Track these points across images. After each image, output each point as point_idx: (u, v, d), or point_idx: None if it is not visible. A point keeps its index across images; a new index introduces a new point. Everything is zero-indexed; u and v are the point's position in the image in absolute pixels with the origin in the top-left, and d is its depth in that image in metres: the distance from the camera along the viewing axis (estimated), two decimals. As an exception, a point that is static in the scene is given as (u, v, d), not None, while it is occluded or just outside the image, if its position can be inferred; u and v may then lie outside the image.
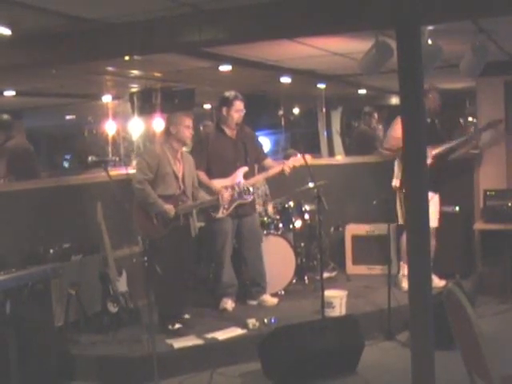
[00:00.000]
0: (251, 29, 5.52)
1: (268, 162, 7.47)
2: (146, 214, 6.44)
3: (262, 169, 7.47)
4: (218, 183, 7.04)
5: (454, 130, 7.85)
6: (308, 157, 6.89)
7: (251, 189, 7.23)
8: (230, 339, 6.34)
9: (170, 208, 6.41)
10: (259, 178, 7.42)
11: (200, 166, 7.08)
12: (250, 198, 7.24)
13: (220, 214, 7.09)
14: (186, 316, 6.81)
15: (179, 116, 6.65)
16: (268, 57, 8.05)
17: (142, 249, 5.67)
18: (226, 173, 7.16)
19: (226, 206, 7.07)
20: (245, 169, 7.20)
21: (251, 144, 7.39)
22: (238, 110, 7.14)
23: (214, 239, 7.22)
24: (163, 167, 6.47)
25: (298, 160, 7.13)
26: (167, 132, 6.63)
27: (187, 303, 7.02)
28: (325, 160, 11.21)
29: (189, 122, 6.60)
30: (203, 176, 7.11)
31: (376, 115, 11.83)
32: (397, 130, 7.56)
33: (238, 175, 7.15)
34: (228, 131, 7.22)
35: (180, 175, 6.58)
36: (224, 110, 7.16)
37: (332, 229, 8.81)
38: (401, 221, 7.55)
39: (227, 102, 7.16)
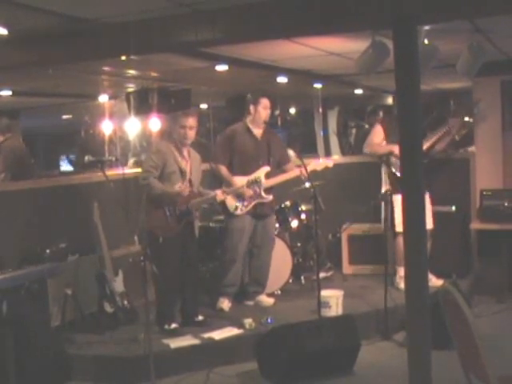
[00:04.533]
0: (248, 29, 5.51)
1: (290, 166, 7.45)
2: (158, 212, 6.43)
3: (283, 172, 7.45)
4: (239, 180, 7.09)
5: (436, 126, 7.88)
6: (328, 162, 7.40)
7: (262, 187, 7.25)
8: (227, 339, 6.33)
9: (182, 188, 6.42)
10: (278, 179, 7.36)
11: (222, 160, 7.19)
12: (270, 198, 7.26)
13: (238, 212, 7.12)
14: (200, 318, 6.77)
15: (175, 116, 6.68)
16: (264, 57, 8.05)
17: (143, 248, 5.65)
18: (248, 170, 7.18)
19: (246, 204, 7.10)
20: (267, 168, 7.23)
21: (275, 146, 7.42)
22: (265, 106, 7.19)
23: (230, 236, 7.23)
24: (169, 165, 6.49)
25: (319, 164, 7.24)
26: (172, 131, 6.67)
27: (200, 304, 6.99)
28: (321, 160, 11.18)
29: (189, 121, 6.56)
30: (224, 170, 7.17)
31: (381, 113, 11.78)
32: (375, 136, 7.68)
33: (259, 174, 7.17)
34: (255, 130, 7.26)
35: (188, 173, 6.59)
36: (251, 107, 7.20)
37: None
38: (383, 226, 7.50)
39: (254, 100, 7.20)
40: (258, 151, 7.25)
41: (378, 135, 7.72)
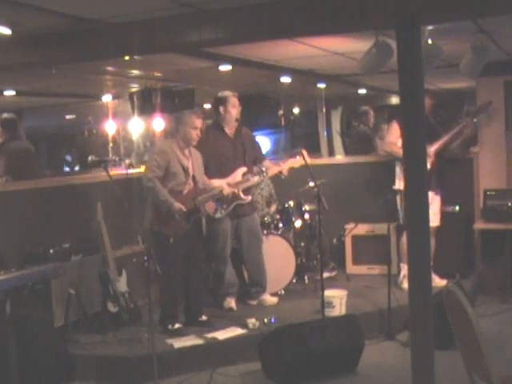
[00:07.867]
0: (251, 29, 5.52)
1: (266, 163, 7.46)
2: (168, 212, 6.43)
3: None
4: (217, 183, 7.05)
5: (449, 126, 7.88)
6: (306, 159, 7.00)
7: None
8: (230, 339, 6.33)
9: (179, 206, 6.42)
10: (255, 179, 7.36)
11: None
12: (248, 199, 7.24)
13: (218, 214, 7.11)
14: (204, 318, 6.78)
15: (188, 116, 6.63)
16: (268, 57, 8.05)
17: (146, 248, 5.64)
18: (225, 172, 7.16)
19: (225, 206, 7.10)
20: (243, 169, 7.20)
21: (250, 144, 7.41)
22: (234, 105, 7.20)
23: (215, 239, 7.23)
24: (173, 164, 6.50)
25: (296, 161, 7.18)
26: (176, 130, 6.65)
27: (204, 304, 7.00)
28: (325, 160, 11.20)
29: (198, 123, 6.59)
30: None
31: (372, 112, 11.80)
32: (390, 135, 7.64)
33: (237, 175, 7.15)
34: (227, 130, 7.25)
35: (190, 170, 6.60)
36: (221, 108, 7.20)
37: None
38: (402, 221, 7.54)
39: (223, 101, 7.21)
40: (234, 151, 7.25)
41: (393, 133, 7.59)
